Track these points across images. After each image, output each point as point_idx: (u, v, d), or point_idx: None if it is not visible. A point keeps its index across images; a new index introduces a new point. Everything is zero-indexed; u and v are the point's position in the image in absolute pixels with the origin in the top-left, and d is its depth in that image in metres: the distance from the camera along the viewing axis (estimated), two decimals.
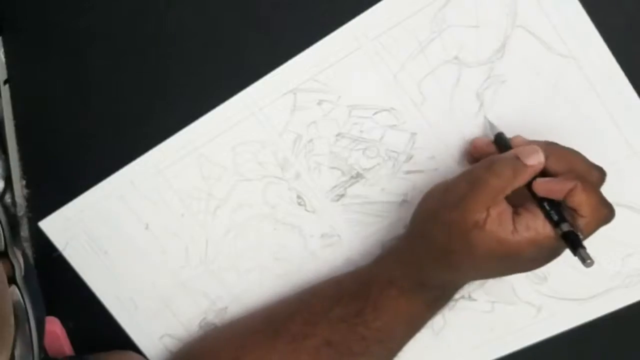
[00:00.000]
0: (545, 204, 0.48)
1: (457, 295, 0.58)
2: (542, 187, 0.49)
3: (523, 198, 0.49)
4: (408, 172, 0.58)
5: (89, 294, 0.68)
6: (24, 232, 0.67)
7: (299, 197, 0.60)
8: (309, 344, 0.56)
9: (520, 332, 0.61)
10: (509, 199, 0.49)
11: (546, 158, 0.49)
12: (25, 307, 0.49)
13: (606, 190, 0.50)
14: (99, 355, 0.64)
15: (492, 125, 0.55)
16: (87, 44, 0.59)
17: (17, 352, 0.46)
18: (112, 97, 0.60)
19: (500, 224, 0.48)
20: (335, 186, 0.60)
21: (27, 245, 0.67)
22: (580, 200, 0.47)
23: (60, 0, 0.58)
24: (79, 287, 0.68)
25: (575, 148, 0.51)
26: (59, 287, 0.68)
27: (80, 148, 0.63)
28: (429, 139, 0.57)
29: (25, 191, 0.65)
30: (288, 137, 0.59)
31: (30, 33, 0.58)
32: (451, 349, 0.63)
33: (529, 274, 0.58)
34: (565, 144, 0.51)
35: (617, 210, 0.49)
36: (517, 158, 0.49)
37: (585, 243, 0.48)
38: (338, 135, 0.58)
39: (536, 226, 0.48)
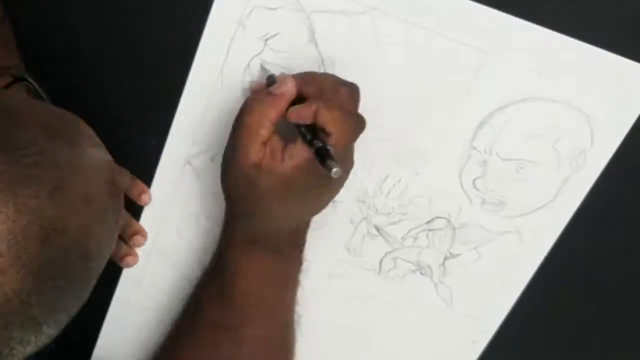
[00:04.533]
0: (302, 129, 0.51)
1: (439, 258, 0.61)
2: (293, 114, 0.51)
3: (293, 131, 0.52)
4: None
5: (89, 295, 0.68)
6: None
7: None
8: (203, 332, 0.59)
9: (521, 261, 0.61)
10: (286, 134, 0.52)
11: (301, 87, 0.52)
12: None
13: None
14: None
15: (263, 69, 0.57)
16: (87, 45, 0.59)
17: None
18: (112, 97, 0.60)
19: (272, 158, 0.51)
20: None
21: None
22: (324, 117, 0.50)
23: (60, 0, 0.58)
24: None
25: None
26: None
27: None
28: None
29: None
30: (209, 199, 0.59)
31: (31, 33, 0.58)
32: (471, 311, 0.64)
33: (484, 205, 0.59)
34: None
35: (531, 104, 0.53)
36: (268, 93, 0.52)
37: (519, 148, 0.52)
38: None
39: (297, 151, 0.51)
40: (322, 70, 0.57)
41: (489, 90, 0.55)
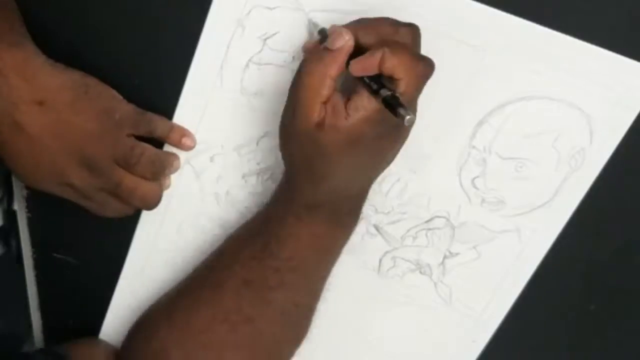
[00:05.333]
0: (366, 79, 0.49)
1: (438, 258, 0.61)
2: (356, 66, 0.49)
3: (355, 83, 0.50)
4: None
5: (89, 294, 0.68)
6: (24, 232, 0.67)
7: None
8: (228, 287, 0.58)
9: (520, 260, 0.61)
10: (346, 88, 0.50)
11: (357, 36, 0.50)
12: None
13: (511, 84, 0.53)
14: (69, 346, 0.65)
15: (314, 24, 0.55)
16: (87, 44, 0.59)
17: None
18: None
19: (334, 115, 0.49)
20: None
21: (27, 246, 0.67)
22: (392, 64, 0.47)
23: (60, 0, 0.58)
24: (79, 287, 0.68)
25: None
26: (58, 286, 0.69)
27: None
28: None
29: (25, 191, 0.65)
30: (210, 199, 0.63)
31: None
32: (471, 310, 0.63)
33: (483, 204, 0.59)
34: None
35: (530, 103, 0.53)
36: (325, 48, 0.50)
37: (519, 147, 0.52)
38: (244, 176, 0.62)
39: (363, 104, 0.49)
40: None
41: (488, 89, 0.56)
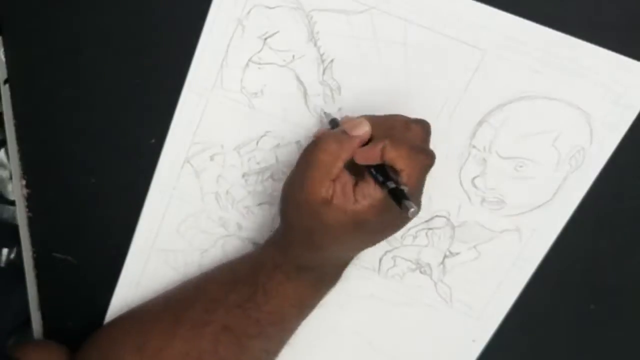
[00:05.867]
0: (372, 170, 0.51)
1: (438, 257, 0.61)
2: (361, 155, 0.51)
3: (363, 171, 0.52)
4: None
5: (89, 294, 0.68)
6: (24, 232, 0.67)
7: (253, 242, 0.64)
8: (208, 331, 0.58)
9: (521, 260, 0.61)
10: (355, 172, 0.52)
11: (372, 129, 0.52)
12: None
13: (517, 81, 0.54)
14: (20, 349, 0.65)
15: (326, 114, 0.57)
16: (87, 44, 0.59)
17: None
18: (113, 97, 0.60)
19: (344, 196, 0.51)
20: (273, 218, 0.63)
21: (27, 246, 0.67)
22: (392, 155, 0.50)
23: (60, 0, 0.58)
24: (79, 287, 0.68)
25: None
26: (59, 287, 0.68)
27: (81, 148, 0.63)
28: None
29: (25, 191, 0.65)
30: (210, 198, 0.62)
31: (30, 33, 0.58)
32: (471, 309, 0.63)
33: (483, 203, 0.59)
34: None
35: (530, 102, 0.53)
36: (343, 132, 0.52)
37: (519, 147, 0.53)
38: (244, 176, 0.61)
39: (370, 192, 0.51)
40: (320, 70, 0.57)
41: (488, 88, 0.56)
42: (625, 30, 0.53)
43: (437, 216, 0.61)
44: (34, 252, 0.67)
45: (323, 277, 0.58)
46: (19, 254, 0.67)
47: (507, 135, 0.57)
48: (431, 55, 0.55)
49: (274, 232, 0.60)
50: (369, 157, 0.51)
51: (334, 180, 0.52)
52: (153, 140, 0.61)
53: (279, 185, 0.59)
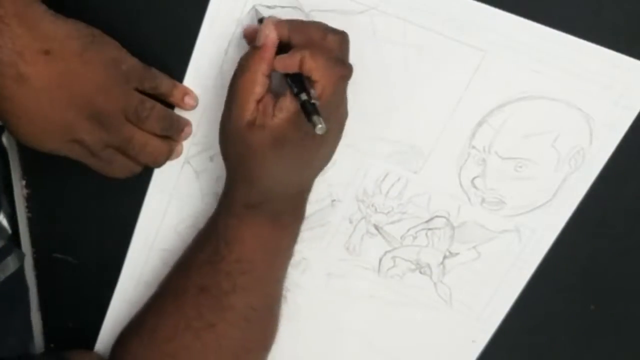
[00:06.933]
0: (289, 81, 0.50)
1: (438, 257, 0.61)
2: (279, 63, 0.50)
3: (283, 85, 0.51)
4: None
5: (89, 294, 0.68)
6: (24, 232, 0.67)
7: None
8: (188, 296, 0.58)
9: (520, 260, 0.61)
10: (278, 89, 0.51)
11: (290, 35, 0.51)
12: None
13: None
14: (69, 352, 0.65)
15: (257, 12, 0.55)
16: None
17: None
18: None
19: (264, 114, 0.51)
20: None
21: (27, 246, 0.67)
22: (310, 66, 0.49)
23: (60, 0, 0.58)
24: (79, 287, 0.68)
25: None
26: (59, 287, 0.68)
27: None
28: None
29: (25, 191, 0.65)
30: (210, 199, 0.63)
31: None
32: (471, 310, 0.63)
33: (483, 204, 0.59)
34: None
35: (530, 102, 0.53)
36: (254, 46, 0.51)
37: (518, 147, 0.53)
38: None
39: (286, 104, 0.50)
40: None
41: (488, 88, 0.55)
42: (625, 30, 0.53)
43: (436, 216, 0.61)
44: (34, 252, 0.67)
45: (275, 213, 0.56)
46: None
47: (507, 135, 0.57)
48: (431, 56, 0.55)
49: (224, 184, 0.59)
50: (286, 64, 0.50)
51: (259, 102, 0.51)
52: None
53: None
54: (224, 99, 0.54)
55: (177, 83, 0.58)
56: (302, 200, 0.58)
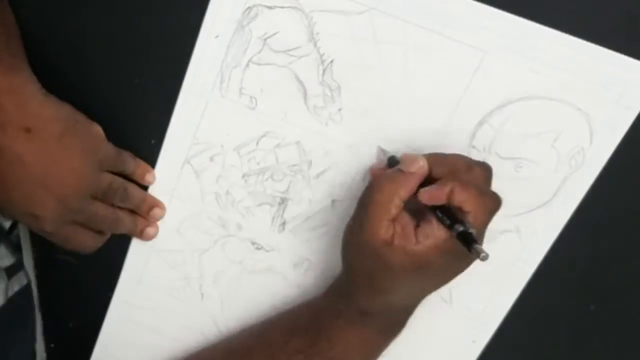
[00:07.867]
0: (438, 211, 0.50)
1: None
2: (426, 195, 0.51)
3: (424, 211, 0.52)
4: (318, 175, 0.60)
5: (89, 295, 0.68)
6: (24, 232, 0.67)
7: (252, 243, 0.64)
8: None
9: (520, 260, 0.61)
10: (413, 212, 0.52)
11: (431, 167, 0.52)
12: None
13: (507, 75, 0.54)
14: None
15: (383, 151, 0.57)
16: (87, 45, 0.59)
17: None
18: (112, 97, 0.60)
19: (404, 237, 0.51)
20: (273, 218, 0.62)
21: (27, 246, 0.67)
22: (461, 198, 0.50)
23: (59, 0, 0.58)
24: (79, 288, 0.68)
25: None
26: (59, 287, 0.68)
27: None
28: (312, 140, 0.59)
29: None
30: (210, 199, 0.62)
31: (30, 33, 0.58)
32: (471, 310, 0.63)
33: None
34: None
35: (530, 102, 0.54)
36: (399, 170, 0.52)
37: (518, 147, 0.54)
38: (244, 176, 0.61)
39: (434, 233, 0.50)
40: (320, 70, 0.57)
41: (488, 89, 0.55)
42: (625, 30, 0.53)
43: None
44: (34, 252, 0.67)
45: (387, 324, 0.58)
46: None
47: (507, 135, 0.57)
48: (431, 56, 0.55)
49: (335, 280, 0.59)
50: (434, 197, 0.50)
51: (393, 221, 0.51)
52: (153, 141, 0.61)
53: (279, 186, 0.59)
54: (223, 99, 0.54)
55: (141, 163, 0.61)
56: (413, 310, 0.58)
